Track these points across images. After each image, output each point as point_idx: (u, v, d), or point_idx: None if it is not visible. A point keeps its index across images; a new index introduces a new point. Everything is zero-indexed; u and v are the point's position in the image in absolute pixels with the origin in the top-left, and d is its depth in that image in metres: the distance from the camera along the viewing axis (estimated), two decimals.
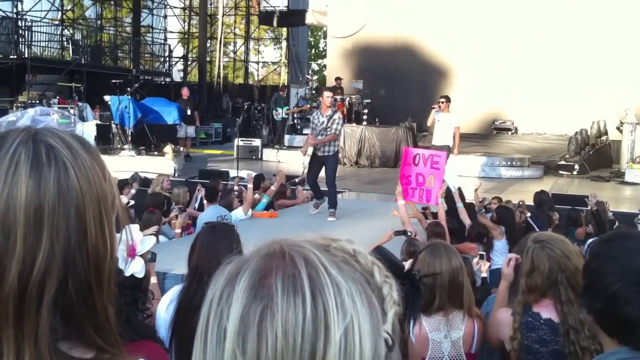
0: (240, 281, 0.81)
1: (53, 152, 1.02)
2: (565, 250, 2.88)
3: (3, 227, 0.98)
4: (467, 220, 7.32)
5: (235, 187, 11.13)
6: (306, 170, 10.55)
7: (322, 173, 10.12)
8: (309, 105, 20.47)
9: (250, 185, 9.31)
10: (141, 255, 2.14)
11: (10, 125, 1.12)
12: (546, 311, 2.88)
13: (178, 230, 8.17)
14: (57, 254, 1.00)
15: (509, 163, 17.31)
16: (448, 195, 7.88)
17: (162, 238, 7.66)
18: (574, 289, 2.77)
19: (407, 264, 3.26)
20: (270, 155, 19.21)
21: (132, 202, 8.49)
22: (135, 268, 2.08)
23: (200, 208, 9.46)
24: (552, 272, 2.84)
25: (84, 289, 1.03)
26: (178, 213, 8.75)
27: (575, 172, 17.45)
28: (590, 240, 5.52)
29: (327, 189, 10.04)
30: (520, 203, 9.66)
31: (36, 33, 24.55)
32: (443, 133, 13.25)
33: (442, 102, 13.37)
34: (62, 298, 1.01)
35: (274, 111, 20.27)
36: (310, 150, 9.86)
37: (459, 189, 8.37)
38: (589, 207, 8.93)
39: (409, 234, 6.12)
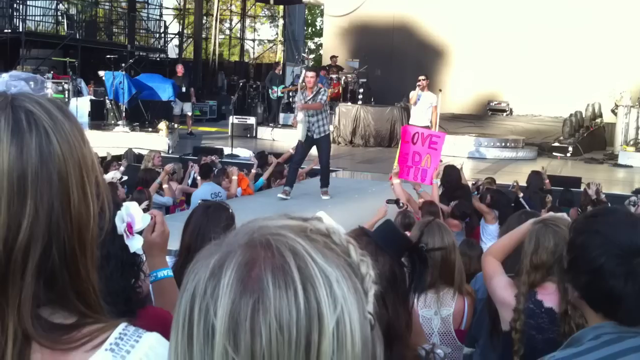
0: (225, 274, 0.79)
1: (33, 118, 1.02)
2: (568, 226, 2.90)
3: None
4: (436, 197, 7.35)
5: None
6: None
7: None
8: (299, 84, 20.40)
9: (235, 177, 9.37)
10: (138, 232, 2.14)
11: None
12: (549, 300, 2.87)
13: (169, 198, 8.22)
14: (42, 219, 1.00)
15: (503, 144, 17.33)
16: None
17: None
18: None
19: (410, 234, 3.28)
20: (264, 133, 19.15)
21: (125, 178, 8.50)
22: (136, 245, 2.08)
23: (194, 185, 9.48)
24: (558, 246, 2.81)
25: (67, 255, 1.03)
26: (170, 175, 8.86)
27: (569, 154, 17.50)
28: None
29: (319, 168, 10.10)
30: (514, 184, 9.70)
31: (31, 7, 24.35)
32: (423, 113, 13.38)
33: (424, 80, 13.40)
34: (45, 264, 1.01)
35: (270, 90, 20.20)
36: (300, 116, 9.78)
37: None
38: (591, 196, 8.98)
39: (401, 204, 6.17)
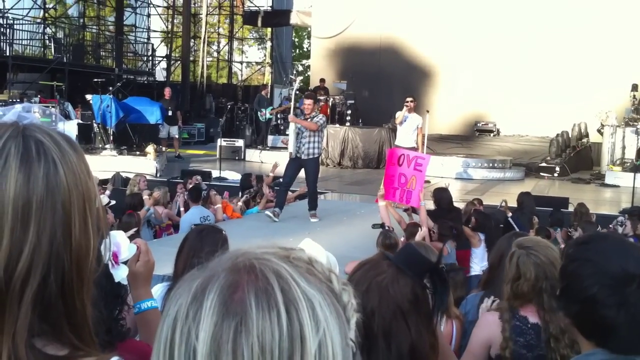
0: (208, 298, 0.79)
1: (42, 148, 1.03)
2: (550, 257, 2.85)
3: None
4: (424, 220, 7.33)
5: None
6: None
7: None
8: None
9: (218, 205, 9.35)
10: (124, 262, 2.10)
11: None
12: (533, 316, 2.86)
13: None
14: (43, 248, 1.00)
15: (491, 165, 17.37)
16: None
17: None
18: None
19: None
20: (253, 155, 19.14)
21: (112, 202, 8.44)
22: (121, 275, 2.04)
23: (179, 213, 9.45)
24: (538, 280, 2.81)
25: (65, 286, 1.03)
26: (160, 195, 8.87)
27: (556, 174, 17.55)
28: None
29: (306, 190, 10.11)
30: (503, 203, 9.71)
31: (18, 31, 24.36)
32: (409, 134, 13.35)
33: (412, 102, 13.44)
34: (43, 293, 1.01)
35: (258, 112, 20.23)
36: (291, 127, 9.84)
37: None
38: (591, 220, 9.01)
39: (386, 227, 6.16)
